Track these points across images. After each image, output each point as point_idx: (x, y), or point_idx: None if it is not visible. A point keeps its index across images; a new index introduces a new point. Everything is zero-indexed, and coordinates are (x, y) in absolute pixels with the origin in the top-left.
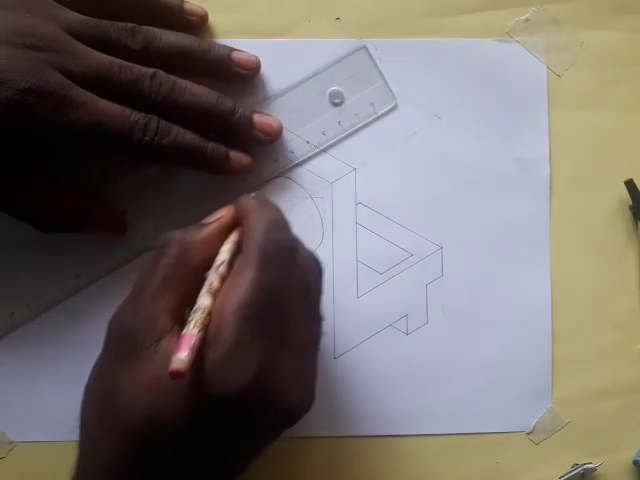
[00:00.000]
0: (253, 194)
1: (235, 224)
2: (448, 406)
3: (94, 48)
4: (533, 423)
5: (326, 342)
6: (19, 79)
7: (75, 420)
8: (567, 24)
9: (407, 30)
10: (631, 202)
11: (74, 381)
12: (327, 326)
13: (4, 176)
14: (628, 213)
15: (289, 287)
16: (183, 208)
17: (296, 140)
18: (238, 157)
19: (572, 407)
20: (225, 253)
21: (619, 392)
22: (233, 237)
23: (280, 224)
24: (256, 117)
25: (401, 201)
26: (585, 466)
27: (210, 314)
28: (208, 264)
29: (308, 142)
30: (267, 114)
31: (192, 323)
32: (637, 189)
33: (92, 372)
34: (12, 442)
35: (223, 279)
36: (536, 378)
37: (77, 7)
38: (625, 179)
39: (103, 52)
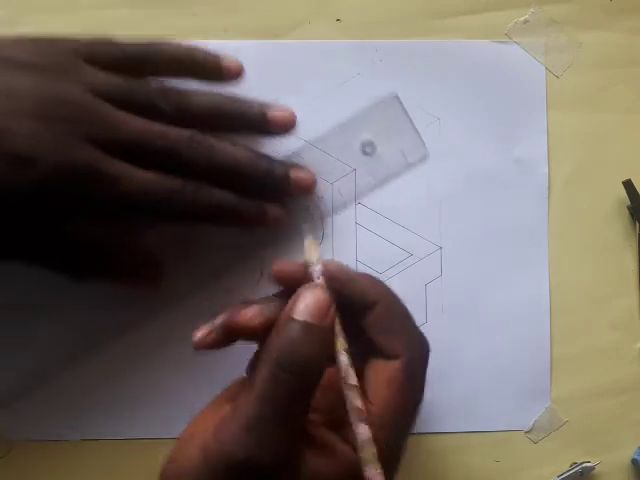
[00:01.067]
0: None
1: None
2: (447, 405)
3: (125, 110)
4: (532, 422)
5: None
6: (52, 157)
7: (75, 418)
8: (566, 25)
9: (407, 31)
10: (629, 202)
11: (74, 380)
12: None
13: (40, 233)
14: (626, 213)
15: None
16: (219, 256)
17: (328, 189)
18: (274, 211)
19: (571, 406)
20: (345, 357)
21: (618, 391)
22: (339, 333)
23: (412, 319)
24: (292, 173)
25: (401, 201)
26: (584, 465)
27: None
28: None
29: (339, 190)
30: (302, 167)
31: (372, 462)
32: (635, 189)
33: None
34: (13, 441)
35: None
36: (535, 377)
37: (109, 65)
38: (623, 179)
39: (135, 114)
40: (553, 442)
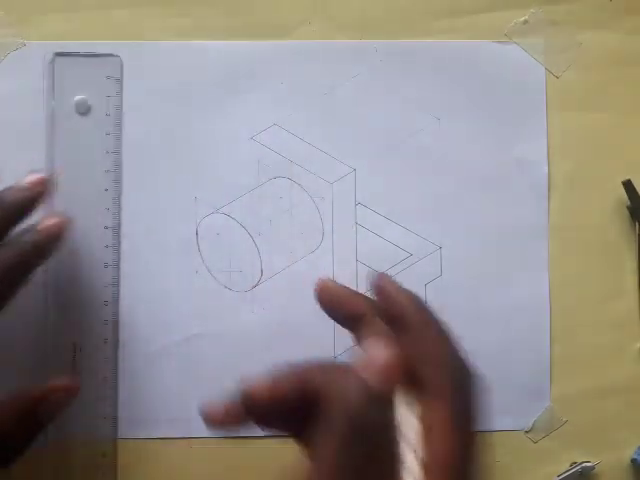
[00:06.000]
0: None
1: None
2: None
3: None
4: (532, 422)
5: (326, 341)
6: None
7: (77, 419)
8: (565, 25)
9: (406, 31)
10: (629, 202)
11: None
12: (327, 325)
13: None
14: (626, 213)
15: None
16: None
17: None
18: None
19: (570, 406)
20: (412, 426)
21: (617, 391)
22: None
23: (452, 346)
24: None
25: (401, 201)
26: (583, 464)
27: None
28: None
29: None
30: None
31: None
32: (635, 190)
33: None
34: None
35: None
36: (535, 377)
37: None
38: (623, 180)
39: None
40: (553, 442)
